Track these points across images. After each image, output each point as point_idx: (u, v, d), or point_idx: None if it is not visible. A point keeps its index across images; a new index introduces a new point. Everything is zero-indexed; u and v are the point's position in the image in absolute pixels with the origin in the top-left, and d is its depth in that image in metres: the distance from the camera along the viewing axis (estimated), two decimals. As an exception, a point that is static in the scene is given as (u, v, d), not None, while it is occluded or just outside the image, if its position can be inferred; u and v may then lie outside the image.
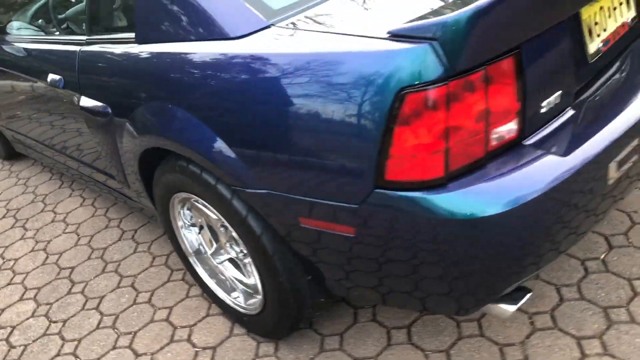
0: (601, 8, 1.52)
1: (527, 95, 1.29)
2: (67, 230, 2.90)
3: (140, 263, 2.53)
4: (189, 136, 1.62)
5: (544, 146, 1.33)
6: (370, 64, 1.22)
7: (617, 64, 1.60)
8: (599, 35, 1.52)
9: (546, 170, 1.26)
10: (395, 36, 1.22)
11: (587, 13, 1.47)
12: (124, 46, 1.87)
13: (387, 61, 1.20)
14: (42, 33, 2.70)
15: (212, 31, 1.55)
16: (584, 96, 1.48)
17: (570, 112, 1.42)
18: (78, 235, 2.84)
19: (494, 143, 1.28)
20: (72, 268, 2.61)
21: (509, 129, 1.29)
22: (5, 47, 2.74)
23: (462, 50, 1.16)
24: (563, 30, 1.35)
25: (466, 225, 1.23)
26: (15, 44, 2.67)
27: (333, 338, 1.94)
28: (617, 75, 1.56)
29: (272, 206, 1.52)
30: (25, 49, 2.55)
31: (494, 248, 1.26)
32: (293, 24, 1.46)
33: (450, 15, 1.14)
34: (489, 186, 1.24)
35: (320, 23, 1.42)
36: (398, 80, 1.19)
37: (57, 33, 2.60)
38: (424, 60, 1.17)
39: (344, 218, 1.38)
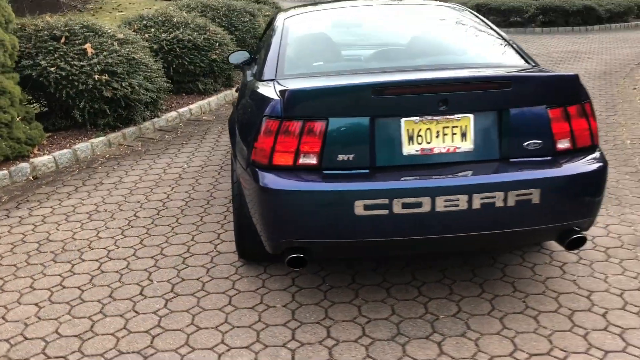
0: (428, 129, 2.44)
1: (325, 147, 2.39)
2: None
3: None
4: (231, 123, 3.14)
5: (329, 175, 2.40)
6: (267, 101, 2.53)
7: (438, 170, 2.46)
8: (419, 143, 2.45)
9: (308, 183, 2.35)
10: (281, 92, 2.50)
11: (409, 126, 2.43)
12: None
13: (269, 101, 2.50)
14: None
15: (260, 76, 3.01)
16: (391, 171, 2.43)
17: (364, 171, 2.42)
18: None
19: (300, 162, 2.43)
20: (214, 198, 4.33)
21: (310, 159, 2.42)
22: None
23: (289, 107, 2.39)
24: (365, 125, 2.38)
25: (263, 190, 2.42)
26: None
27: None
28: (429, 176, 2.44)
29: (237, 159, 2.89)
30: None
31: (266, 208, 2.41)
32: (275, 80, 2.81)
33: (289, 88, 2.38)
34: (281, 177, 2.41)
35: (284, 79, 2.74)
36: (265, 110, 2.47)
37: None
38: (274, 106, 2.43)
39: (244, 176, 2.68)
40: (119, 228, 3.84)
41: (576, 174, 2.45)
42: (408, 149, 2.45)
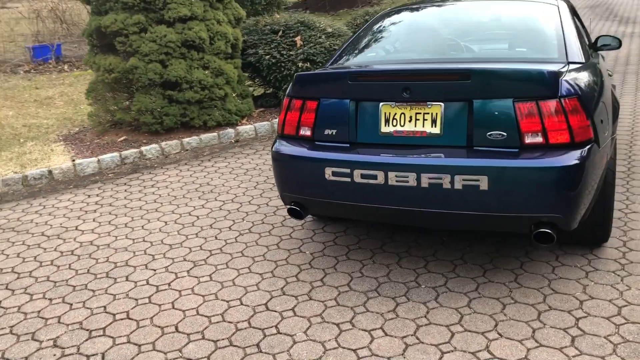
0: (402, 114, 2.78)
1: (316, 121, 2.94)
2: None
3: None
4: None
5: (318, 146, 2.94)
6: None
7: (407, 149, 2.76)
8: (394, 125, 2.80)
9: (298, 149, 2.94)
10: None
11: (387, 110, 2.81)
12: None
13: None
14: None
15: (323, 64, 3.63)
16: (368, 147, 2.85)
17: (344, 145, 2.89)
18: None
19: (300, 133, 3.03)
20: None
21: (307, 131, 2.99)
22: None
23: (296, 89, 3.01)
24: (347, 106, 2.84)
25: (273, 153, 3.10)
26: None
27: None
28: (401, 155, 2.77)
29: None
30: None
31: (275, 167, 3.08)
32: (326, 67, 3.39)
33: (297, 74, 3.00)
34: (286, 144, 3.05)
35: (333, 66, 3.32)
36: (287, 91, 3.13)
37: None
38: (291, 87, 3.08)
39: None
40: (256, 182, 4.87)
41: (531, 167, 2.49)
42: (384, 129, 2.83)
